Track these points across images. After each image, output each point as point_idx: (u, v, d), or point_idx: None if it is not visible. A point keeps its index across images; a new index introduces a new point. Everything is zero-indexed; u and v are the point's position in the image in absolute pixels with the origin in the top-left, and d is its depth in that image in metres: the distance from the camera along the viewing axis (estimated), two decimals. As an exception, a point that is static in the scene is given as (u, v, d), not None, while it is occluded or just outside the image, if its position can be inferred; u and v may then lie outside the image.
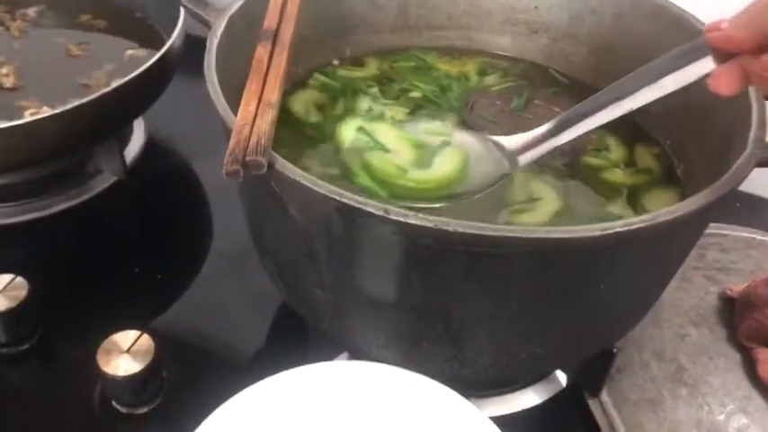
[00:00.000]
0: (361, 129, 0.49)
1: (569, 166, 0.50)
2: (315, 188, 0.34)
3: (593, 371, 0.50)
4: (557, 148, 0.42)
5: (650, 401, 0.50)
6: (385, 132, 0.49)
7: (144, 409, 0.48)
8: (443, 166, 0.46)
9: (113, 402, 0.48)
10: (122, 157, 0.61)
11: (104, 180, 0.62)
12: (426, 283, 0.36)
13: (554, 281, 0.36)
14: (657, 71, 0.37)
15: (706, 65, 0.35)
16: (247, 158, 0.33)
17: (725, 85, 0.34)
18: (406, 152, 0.47)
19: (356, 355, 0.47)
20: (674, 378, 0.51)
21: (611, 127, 0.43)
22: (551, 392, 0.51)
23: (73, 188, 0.61)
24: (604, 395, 0.50)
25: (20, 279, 0.50)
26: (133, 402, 0.48)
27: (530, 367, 0.45)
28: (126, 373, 0.46)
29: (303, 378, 0.42)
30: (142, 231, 0.61)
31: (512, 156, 0.44)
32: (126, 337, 0.48)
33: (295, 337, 0.52)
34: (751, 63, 0.33)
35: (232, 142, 0.34)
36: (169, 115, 0.68)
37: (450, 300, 0.36)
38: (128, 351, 0.47)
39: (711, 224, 0.60)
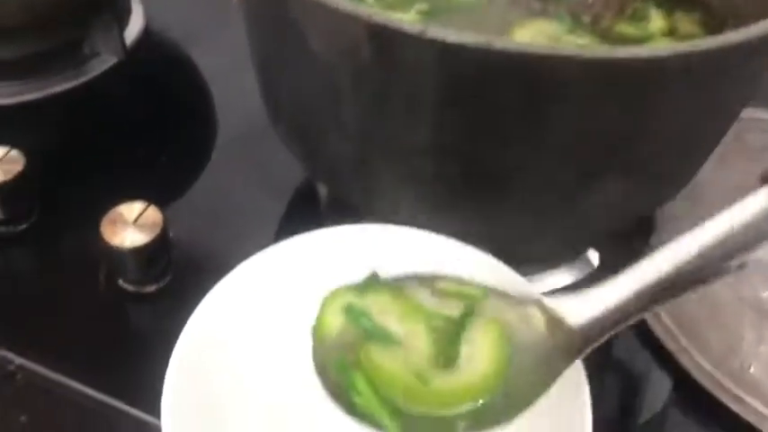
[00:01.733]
0: (350, 310, 0.31)
1: (602, 35, 0.46)
2: (339, 7, 0.30)
3: (628, 248, 0.47)
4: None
5: (688, 280, 0.47)
6: (386, 308, 0.31)
7: (152, 288, 0.46)
8: (476, 364, 0.30)
9: (120, 281, 0.46)
10: (121, 35, 0.57)
11: (102, 62, 0.58)
12: (464, 119, 0.32)
13: (606, 116, 0.32)
14: None
15: None
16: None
17: None
18: (420, 340, 0.30)
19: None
20: (714, 256, 0.48)
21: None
22: (583, 273, 0.49)
23: (70, 70, 0.57)
24: (640, 274, 0.48)
25: (15, 152, 0.47)
26: (141, 279, 0.45)
27: (567, 232, 0.41)
28: (133, 245, 0.43)
29: (324, 241, 0.39)
30: (144, 116, 0.58)
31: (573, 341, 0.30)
32: (131, 209, 0.44)
33: (308, 225, 0.49)
34: None
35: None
36: (169, 2, 0.64)
37: (489, 142, 0.33)
38: (134, 222, 0.44)
39: (750, 108, 0.57)
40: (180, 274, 0.46)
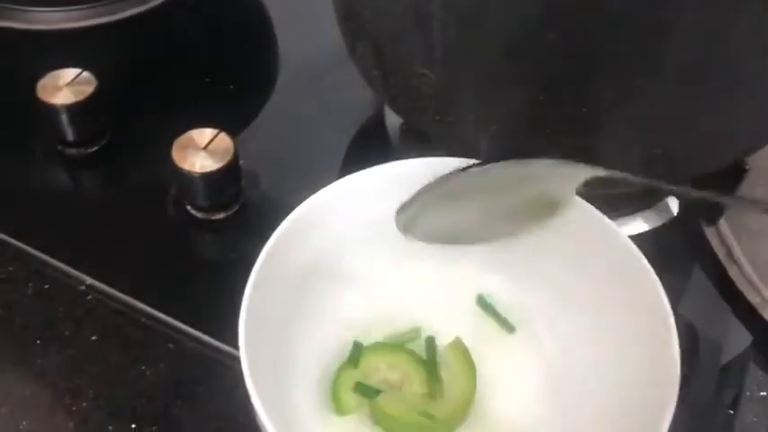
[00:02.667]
0: (359, 388, 0.36)
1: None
2: None
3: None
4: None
5: (775, 230, 0.45)
6: (377, 364, 0.36)
7: (221, 215, 0.45)
8: (457, 384, 0.36)
9: (188, 207, 0.45)
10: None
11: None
12: (560, 43, 0.30)
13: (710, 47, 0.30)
14: None
15: None
16: None
17: None
18: (413, 383, 0.36)
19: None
20: (804, 207, 0.46)
21: None
22: (662, 220, 0.47)
23: (138, -5, 0.57)
24: (722, 223, 0.45)
25: (87, 74, 0.47)
26: (209, 206, 0.45)
27: (664, 168, 0.39)
28: (203, 170, 0.43)
29: (390, 174, 0.38)
30: (210, 43, 0.56)
31: None
32: (203, 135, 0.44)
33: (377, 156, 0.48)
34: None
35: None
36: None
37: (586, 68, 0.31)
38: (204, 148, 0.43)
39: None
40: (248, 204, 0.46)
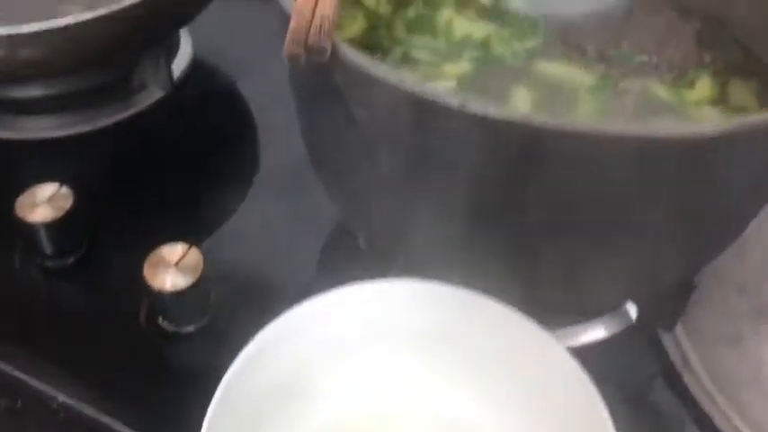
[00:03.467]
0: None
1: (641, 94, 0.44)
2: (383, 77, 0.31)
3: (668, 304, 0.47)
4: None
5: (730, 338, 0.46)
6: None
7: (191, 328, 0.46)
8: None
9: (160, 319, 0.47)
10: (169, 69, 0.58)
11: (150, 95, 0.60)
12: (504, 188, 0.33)
13: (646, 188, 0.32)
14: None
15: None
16: (310, 41, 0.30)
17: None
18: None
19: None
20: (758, 314, 0.47)
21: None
22: (620, 326, 0.48)
23: (119, 102, 0.59)
24: (679, 330, 0.47)
25: (65, 189, 0.48)
26: (180, 320, 0.46)
27: (604, 292, 0.41)
28: (174, 288, 0.44)
29: (357, 296, 0.40)
30: (189, 148, 0.59)
31: None
32: (174, 251, 0.45)
33: (348, 262, 0.49)
34: None
35: (293, 24, 0.30)
36: (217, 33, 0.65)
37: (530, 207, 0.33)
38: (176, 265, 0.45)
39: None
40: (219, 314, 0.47)
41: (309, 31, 0.30)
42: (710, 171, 0.32)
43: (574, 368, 0.37)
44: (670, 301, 0.47)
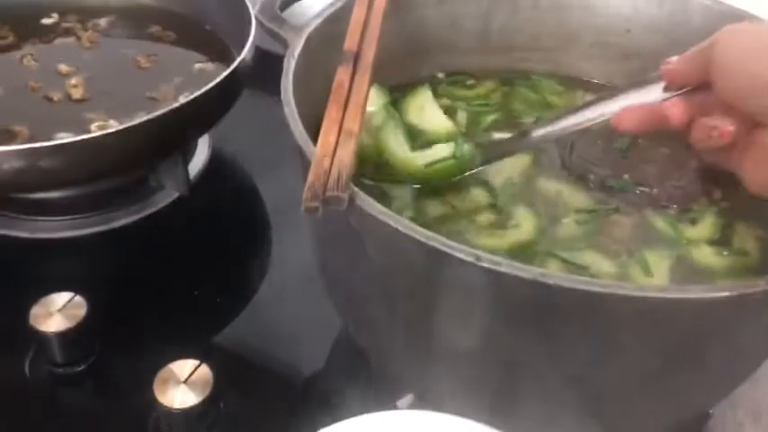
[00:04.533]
0: None
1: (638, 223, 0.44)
2: (399, 228, 0.31)
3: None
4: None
5: (745, 466, 0.46)
6: None
7: (199, 445, 0.46)
8: None
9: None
10: (186, 172, 0.59)
11: (167, 196, 0.61)
12: (515, 336, 0.33)
13: (659, 343, 0.32)
14: (618, 91, 0.41)
15: (656, 93, 0.38)
16: (327, 194, 0.31)
17: (626, 119, 0.38)
18: None
19: (422, 395, 0.44)
20: (772, 442, 0.46)
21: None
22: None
23: (135, 203, 0.60)
24: (694, 457, 0.46)
25: (78, 298, 0.49)
26: (188, 435, 0.46)
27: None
28: (183, 406, 0.44)
29: (363, 428, 0.39)
30: (203, 250, 0.59)
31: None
32: (184, 367, 0.45)
33: (355, 368, 0.49)
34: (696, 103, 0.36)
35: (311, 176, 0.31)
36: (235, 131, 0.66)
37: (540, 355, 0.33)
38: (185, 382, 0.45)
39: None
40: (226, 428, 0.47)
41: (327, 182, 0.31)
42: (723, 327, 0.32)
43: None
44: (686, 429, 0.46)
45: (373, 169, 0.45)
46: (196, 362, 0.46)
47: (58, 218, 0.58)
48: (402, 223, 0.31)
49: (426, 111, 0.50)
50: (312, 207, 0.30)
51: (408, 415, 0.39)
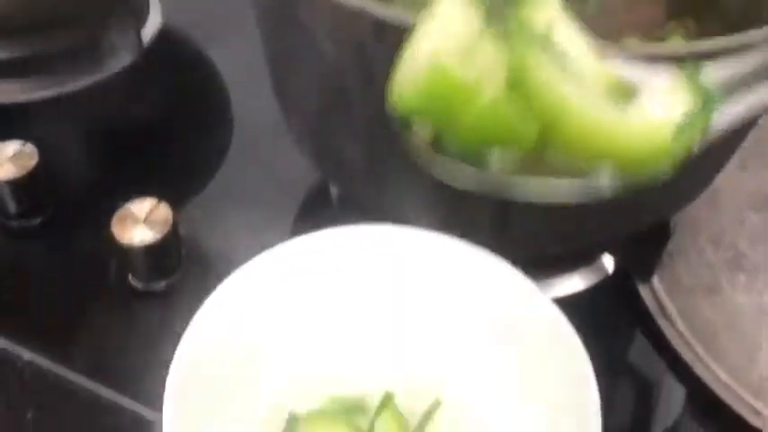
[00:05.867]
0: None
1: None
2: (346, 4, 0.30)
3: (644, 254, 0.47)
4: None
5: (706, 288, 0.46)
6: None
7: (161, 285, 0.45)
8: None
9: (129, 278, 0.46)
10: (138, 33, 0.57)
11: (119, 60, 0.58)
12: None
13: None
14: None
15: None
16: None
17: None
18: None
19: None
20: (733, 264, 0.47)
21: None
22: (597, 278, 0.48)
23: (86, 67, 0.57)
24: (656, 281, 0.46)
25: (30, 146, 0.47)
26: (150, 277, 0.45)
27: (577, 238, 0.41)
28: (142, 243, 0.43)
29: (329, 241, 0.39)
30: (159, 115, 0.58)
31: None
32: (142, 206, 0.44)
33: (323, 222, 0.49)
34: None
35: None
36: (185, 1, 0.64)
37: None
38: (144, 221, 0.44)
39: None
40: (190, 273, 0.46)
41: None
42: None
43: (556, 317, 0.36)
44: (646, 252, 0.47)
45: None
46: (154, 200, 0.45)
47: (6, 81, 0.56)
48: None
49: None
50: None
51: (368, 228, 0.39)
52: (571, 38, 0.23)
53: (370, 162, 0.37)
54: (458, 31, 0.23)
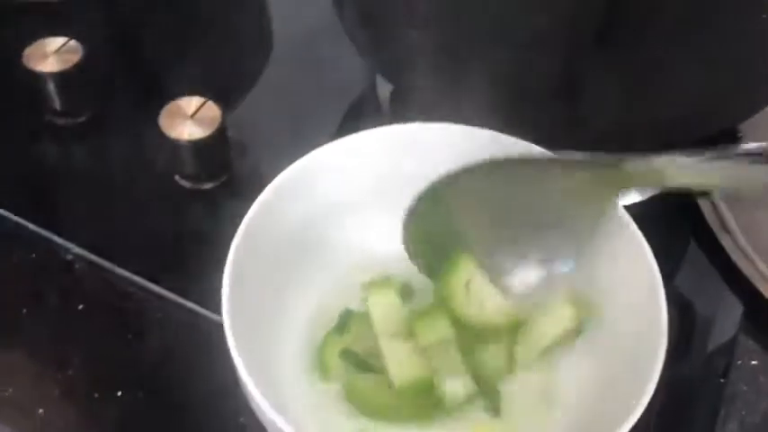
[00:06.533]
0: (345, 352, 0.36)
1: None
2: None
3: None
4: None
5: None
6: (363, 333, 0.37)
7: (209, 185, 0.45)
8: None
9: (176, 177, 0.45)
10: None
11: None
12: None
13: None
14: None
15: None
16: None
17: None
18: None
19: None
20: (799, 178, 0.45)
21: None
22: (656, 190, 0.46)
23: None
24: (716, 194, 0.45)
25: (74, 42, 0.46)
26: (197, 175, 0.44)
27: (645, 141, 0.39)
28: (191, 138, 0.42)
29: (378, 139, 0.38)
30: (204, 12, 0.56)
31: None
32: (190, 103, 0.43)
33: (371, 122, 0.47)
34: None
35: None
36: None
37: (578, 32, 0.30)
38: (192, 116, 0.43)
39: None
40: (237, 173, 0.45)
41: None
42: None
43: (626, 221, 0.35)
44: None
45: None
46: (202, 98, 0.44)
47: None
48: None
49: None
50: None
51: (419, 126, 0.38)
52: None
53: (430, 51, 0.35)
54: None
